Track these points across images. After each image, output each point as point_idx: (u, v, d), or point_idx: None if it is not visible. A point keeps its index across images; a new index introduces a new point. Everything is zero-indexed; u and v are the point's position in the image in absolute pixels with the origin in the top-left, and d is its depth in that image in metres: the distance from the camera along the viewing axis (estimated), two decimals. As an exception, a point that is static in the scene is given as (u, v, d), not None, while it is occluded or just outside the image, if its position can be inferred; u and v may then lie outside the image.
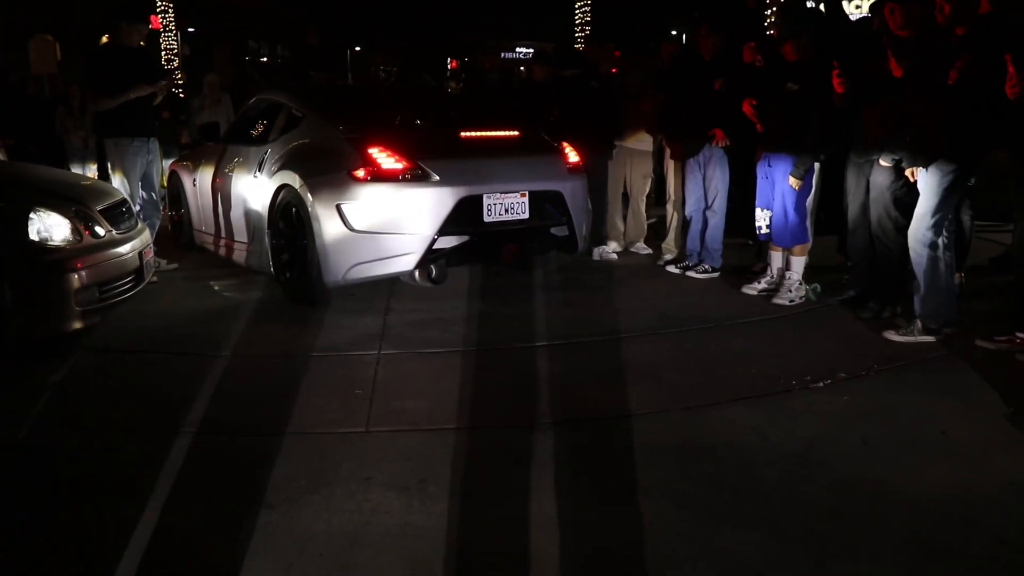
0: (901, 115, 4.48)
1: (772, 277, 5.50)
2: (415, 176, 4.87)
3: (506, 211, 5.10)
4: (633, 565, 2.41)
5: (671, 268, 6.27)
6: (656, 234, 7.07)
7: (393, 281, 5.37)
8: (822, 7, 5.88)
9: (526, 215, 5.18)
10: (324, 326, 4.81)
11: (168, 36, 19.89)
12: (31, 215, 4.07)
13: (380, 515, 2.67)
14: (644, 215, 6.99)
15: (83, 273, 4.16)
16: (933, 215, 4.30)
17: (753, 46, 5.51)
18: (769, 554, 2.42)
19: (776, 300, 5.27)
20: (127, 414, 3.58)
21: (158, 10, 20.50)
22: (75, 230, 4.21)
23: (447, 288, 5.49)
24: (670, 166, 6.51)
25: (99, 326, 4.50)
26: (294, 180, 5.12)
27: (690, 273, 6.07)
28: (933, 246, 4.34)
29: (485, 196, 5.00)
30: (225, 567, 2.39)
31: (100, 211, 4.47)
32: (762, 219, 5.42)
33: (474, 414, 3.53)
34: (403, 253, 4.87)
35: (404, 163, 4.88)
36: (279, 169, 5.32)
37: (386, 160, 4.88)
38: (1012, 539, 2.50)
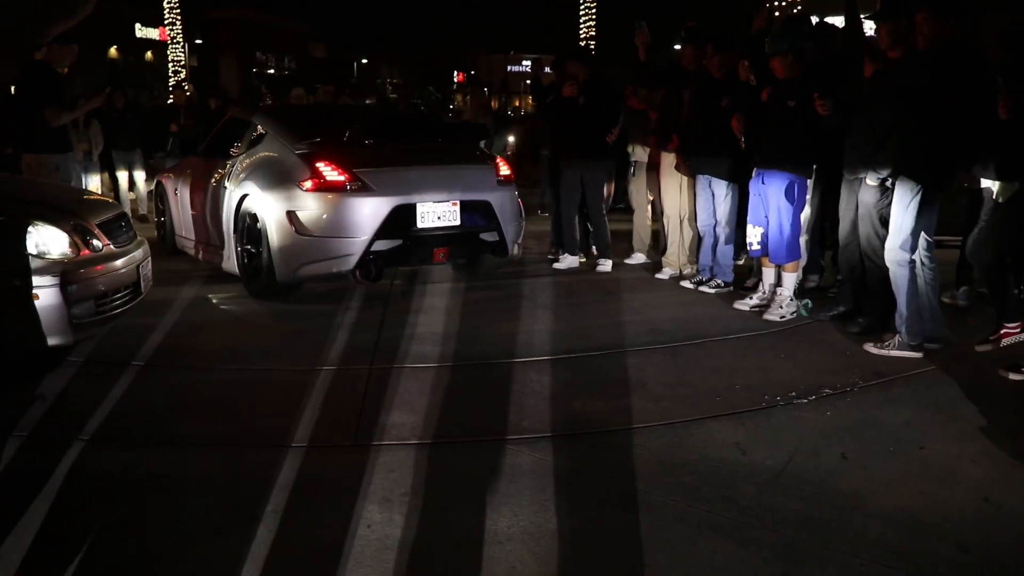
0: (882, 129, 4.54)
1: (764, 293, 5.54)
2: (355, 187, 5.49)
3: (438, 218, 5.71)
4: (607, 573, 2.45)
5: (684, 283, 6.30)
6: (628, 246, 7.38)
7: (386, 296, 5.51)
8: (840, 23, 5.83)
9: (457, 222, 5.77)
10: (319, 340, 4.86)
11: (176, 48, 20.09)
12: (29, 228, 4.14)
13: (361, 528, 2.71)
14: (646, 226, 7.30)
15: (79, 286, 4.23)
16: (902, 233, 4.35)
17: (747, 65, 5.56)
18: (739, 563, 2.47)
19: (767, 316, 5.31)
20: (115, 426, 3.62)
21: (166, 22, 20.69)
22: (73, 243, 4.27)
23: (442, 302, 5.66)
24: (664, 180, 6.56)
25: (93, 339, 4.57)
26: (253, 190, 5.77)
27: (703, 288, 6.12)
28: (906, 263, 4.39)
29: (419, 204, 5.62)
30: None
31: (99, 224, 4.54)
32: (753, 236, 5.45)
33: (461, 428, 3.59)
34: (344, 254, 5.47)
35: (345, 176, 5.51)
36: (242, 180, 5.95)
37: (330, 173, 5.52)
38: (976, 548, 2.57)
